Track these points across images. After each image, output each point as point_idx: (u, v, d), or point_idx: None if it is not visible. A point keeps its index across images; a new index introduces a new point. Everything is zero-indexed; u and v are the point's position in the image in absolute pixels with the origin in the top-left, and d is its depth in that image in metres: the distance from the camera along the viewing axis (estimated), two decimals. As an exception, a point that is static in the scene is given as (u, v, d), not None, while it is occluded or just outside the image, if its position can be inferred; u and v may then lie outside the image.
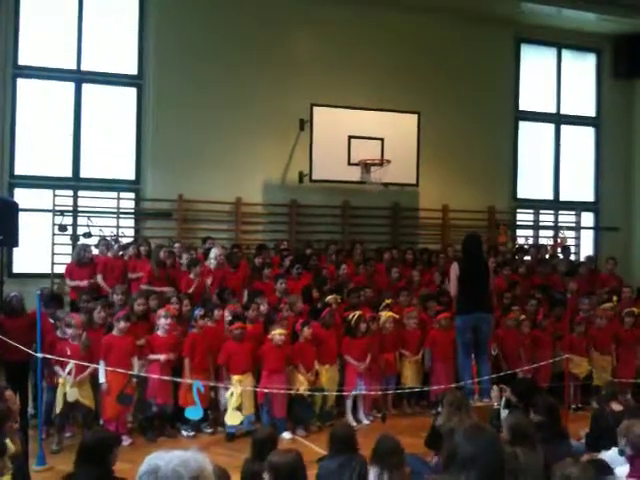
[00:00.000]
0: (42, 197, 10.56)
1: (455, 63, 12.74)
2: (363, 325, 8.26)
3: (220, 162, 11.25)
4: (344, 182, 11.31)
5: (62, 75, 10.98)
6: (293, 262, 9.88)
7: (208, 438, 7.53)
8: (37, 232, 10.39)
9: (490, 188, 13.03)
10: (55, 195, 10.43)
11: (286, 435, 7.45)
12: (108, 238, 9.92)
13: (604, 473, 4.19)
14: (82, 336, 7.20)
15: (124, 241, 10.15)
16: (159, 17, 11.24)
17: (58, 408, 6.97)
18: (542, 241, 13.27)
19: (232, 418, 7.36)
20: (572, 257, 12.76)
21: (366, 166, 11.12)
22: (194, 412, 7.23)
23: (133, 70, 11.34)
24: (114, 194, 10.94)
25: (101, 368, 7.16)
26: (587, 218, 14.21)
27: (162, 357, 7.43)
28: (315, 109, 11.00)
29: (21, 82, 10.79)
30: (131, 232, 11.15)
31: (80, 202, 10.78)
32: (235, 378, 7.49)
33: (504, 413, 6.11)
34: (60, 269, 9.82)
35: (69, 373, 6.91)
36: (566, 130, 14.25)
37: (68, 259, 9.77)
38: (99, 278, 9.15)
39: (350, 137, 11.10)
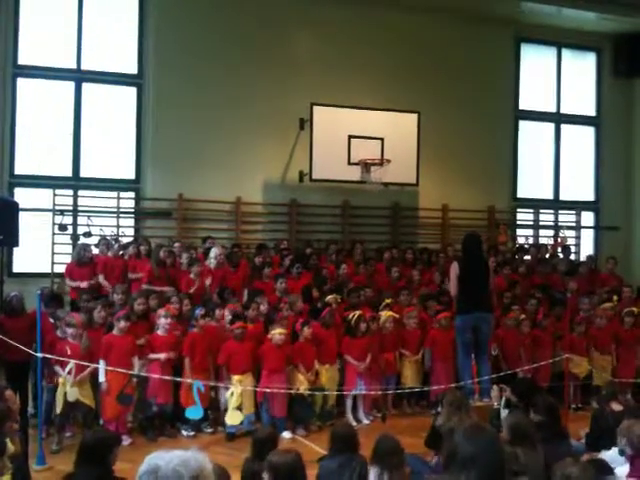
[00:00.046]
0: (42, 197, 10.56)
1: (455, 63, 12.74)
2: (363, 325, 8.26)
3: (220, 162, 11.25)
4: (344, 182, 11.31)
5: (62, 74, 10.98)
6: (293, 262, 9.88)
7: (208, 438, 7.52)
8: (37, 232, 10.40)
9: (490, 188, 13.03)
10: (55, 195, 10.43)
11: (286, 435, 7.45)
12: (108, 237, 9.92)
13: (604, 473, 4.20)
14: (82, 336, 7.20)
15: (124, 240, 10.15)
16: (159, 17, 11.24)
17: (58, 408, 6.96)
18: (542, 241, 13.27)
19: (232, 418, 7.36)
20: (572, 257, 12.75)
21: (366, 166, 11.12)
22: (194, 412, 7.24)
23: (133, 69, 11.34)
24: (114, 193, 10.94)
25: (101, 368, 7.16)
26: (587, 217, 14.21)
27: (162, 356, 7.43)
28: (315, 109, 10.99)
29: (21, 82, 10.79)
30: (131, 231, 11.15)
31: (80, 202, 10.79)
32: (235, 378, 7.49)
33: (504, 413, 6.11)
34: (60, 269, 9.82)
35: (69, 373, 6.90)
36: (566, 129, 14.25)
37: (68, 259, 9.76)
38: (100, 277, 9.15)
39: (350, 137, 11.10)
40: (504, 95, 13.42)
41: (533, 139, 13.98)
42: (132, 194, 11.32)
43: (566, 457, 4.14)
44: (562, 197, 14.13)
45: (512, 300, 9.57)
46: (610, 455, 4.93)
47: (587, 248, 13.91)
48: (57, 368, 6.99)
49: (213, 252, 9.51)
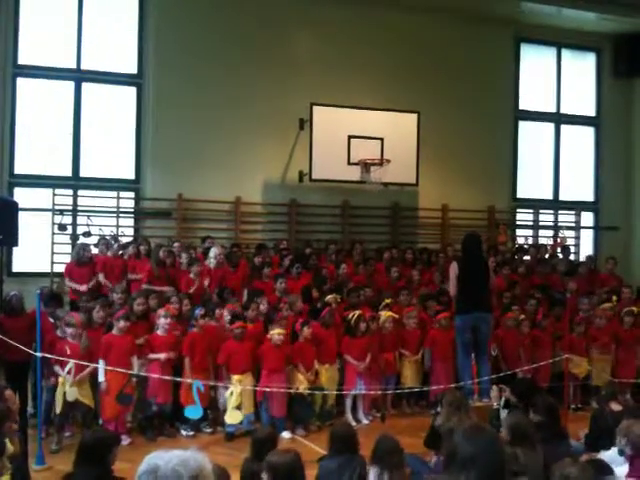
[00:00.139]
0: (42, 196, 10.55)
1: (455, 63, 12.74)
2: (363, 325, 8.26)
3: (220, 162, 11.25)
4: (344, 182, 11.31)
5: (62, 74, 10.98)
6: (293, 261, 9.88)
7: (207, 438, 7.52)
8: (37, 231, 10.39)
9: (490, 188, 13.04)
10: (55, 194, 10.43)
11: (286, 434, 7.45)
12: (108, 237, 9.91)
13: (604, 473, 4.19)
14: (82, 335, 7.19)
15: (124, 240, 10.15)
16: (159, 17, 11.24)
17: (58, 408, 6.95)
18: (542, 241, 13.27)
19: (232, 417, 7.36)
20: (572, 257, 12.77)
21: (366, 166, 11.12)
22: (194, 411, 7.24)
23: (133, 69, 11.34)
24: (114, 193, 10.94)
25: (100, 367, 7.16)
26: (587, 218, 14.21)
27: (162, 356, 7.43)
28: (315, 109, 10.99)
29: (21, 81, 10.79)
30: (131, 231, 11.15)
31: (80, 201, 10.79)
32: (235, 378, 7.49)
33: (504, 413, 6.11)
34: (60, 268, 9.82)
35: (68, 372, 6.90)
36: (566, 130, 14.25)
37: (68, 258, 9.76)
38: (101, 277, 9.15)
39: (350, 137, 11.10)
40: (504, 95, 13.42)
41: (533, 139, 13.99)
42: (132, 194, 11.32)
43: (565, 457, 4.15)
44: (562, 197, 14.13)
45: (512, 300, 9.57)
46: (609, 455, 4.92)
47: (587, 248, 13.91)
48: (57, 368, 6.99)
49: (213, 252, 9.52)
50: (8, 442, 4.44)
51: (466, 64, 12.82)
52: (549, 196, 14.09)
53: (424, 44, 12.50)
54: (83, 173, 11.05)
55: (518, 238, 13.43)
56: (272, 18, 11.66)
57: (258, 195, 11.68)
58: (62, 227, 10.41)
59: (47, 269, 10.28)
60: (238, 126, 11.36)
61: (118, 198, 10.92)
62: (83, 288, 8.90)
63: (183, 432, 7.54)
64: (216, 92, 11.29)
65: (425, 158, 11.76)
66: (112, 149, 11.28)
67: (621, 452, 4.70)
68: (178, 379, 7.31)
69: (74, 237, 10.46)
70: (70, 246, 10.26)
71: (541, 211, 13.94)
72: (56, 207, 10.43)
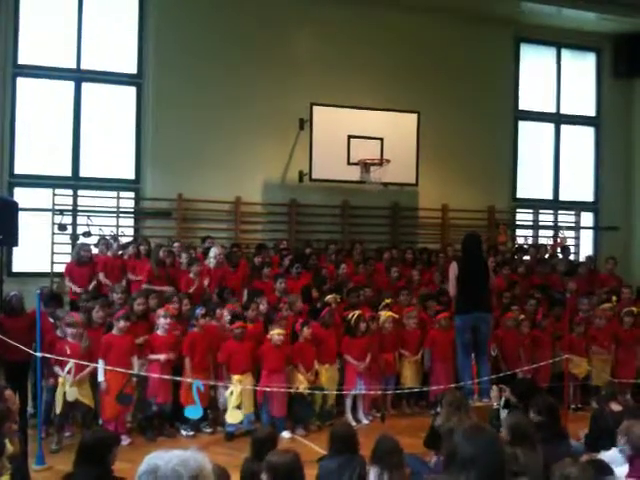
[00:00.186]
0: (42, 196, 10.55)
1: (455, 63, 12.74)
2: (363, 325, 8.26)
3: (220, 162, 11.25)
4: (344, 182, 11.31)
5: (62, 74, 10.98)
6: (293, 261, 9.88)
7: (207, 438, 7.53)
8: (37, 231, 10.39)
9: (490, 188, 13.04)
10: (55, 194, 10.43)
11: (285, 434, 7.45)
12: (108, 237, 9.91)
13: (604, 473, 4.19)
14: (82, 335, 7.19)
15: (124, 240, 10.15)
16: (159, 17, 11.24)
17: (58, 408, 6.95)
18: (542, 241, 13.27)
19: (233, 416, 7.37)
20: (572, 257, 12.77)
21: (366, 166, 11.12)
22: (194, 411, 7.24)
23: (133, 69, 11.34)
24: (114, 193, 10.94)
25: (100, 367, 7.16)
26: (587, 218, 14.21)
27: (162, 357, 7.43)
28: (315, 109, 11.00)
29: (21, 81, 10.79)
30: (131, 231, 11.15)
31: (80, 201, 10.79)
32: (235, 378, 7.49)
33: (504, 413, 6.11)
34: (60, 268, 9.82)
35: (68, 372, 6.90)
36: (566, 130, 14.25)
37: (68, 258, 9.77)
38: (101, 276, 9.15)
39: (350, 137, 11.10)
40: (504, 95, 13.42)
41: (533, 139, 13.98)
42: (132, 194, 11.32)
43: (566, 457, 4.15)
44: (562, 197, 14.13)
45: (511, 300, 9.57)
46: (609, 455, 4.92)
47: (586, 248, 13.91)
48: (56, 368, 6.99)
49: (212, 252, 9.52)
50: (8, 442, 4.44)
51: (466, 64, 12.82)
52: (549, 196, 14.09)
53: (424, 44, 12.50)
54: (83, 173, 11.05)
55: (518, 238, 13.43)
56: (272, 18, 11.66)
57: (258, 195, 11.68)
58: (62, 227, 10.41)
59: (47, 269, 10.28)
60: (238, 126, 11.36)
61: (118, 198, 10.92)
62: (79, 290, 8.88)
63: (183, 432, 7.54)
64: (216, 92, 11.29)
65: (425, 158, 11.77)
66: (112, 149, 11.28)
67: (622, 452, 4.70)
68: (178, 379, 7.31)
69: (74, 237, 10.46)
70: (70, 246, 10.26)
71: (541, 211, 13.94)
72: (56, 207, 10.43)
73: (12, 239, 8.70)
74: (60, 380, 6.93)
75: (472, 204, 12.74)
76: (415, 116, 11.64)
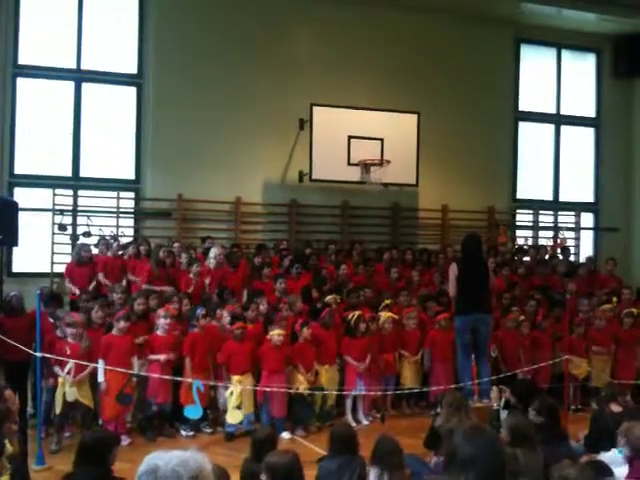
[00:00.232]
0: (42, 196, 10.56)
1: (455, 63, 12.74)
2: (363, 325, 8.26)
3: (220, 162, 11.25)
4: (344, 182, 11.31)
5: (62, 74, 10.98)
6: (292, 262, 9.87)
7: (207, 438, 7.52)
8: (37, 231, 10.40)
9: (490, 188, 13.03)
10: (55, 194, 10.43)
11: (285, 435, 7.45)
12: (107, 237, 9.91)
13: (603, 474, 4.19)
14: (82, 335, 7.19)
15: (124, 240, 10.15)
16: (159, 17, 11.24)
17: (57, 408, 6.95)
18: (542, 242, 13.26)
19: (233, 417, 7.36)
20: (572, 258, 12.76)
21: (366, 166, 11.12)
22: (193, 411, 7.23)
23: (133, 69, 11.34)
24: (114, 193, 10.94)
25: (100, 368, 7.15)
26: (587, 219, 14.21)
27: (162, 357, 7.43)
28: (315, 109, 11.00)
29: (21, 81, 10.80)
30: (131, 231, 11.15)
31: (80, 201, 10.79)
32: (235, 378, 7.49)
33: (504, 414, 6.10)
34: (60, 268, 9.83)
35: (68, 372, 6.90)
36: (566, 130, 14.25)
37: (68, 258, 9.77)
38: (101, 276, 9.15)
39: (350, 137, 11.10)
40: (504, 96, 13.42)
41: (533, 140, 13.98)
42: (132, 194, 11.32)
43: (565, 458, 4.14)
44: (562, 198, 14.13)
45: (511, 301, 9.57)
46: (609, 456, 4.92)
47: (586, 249, 13.91)
48: (56, 368, 6.98)
49: (212, 252, 9.51)
50: (7, 442, 4.44)
51: (466, 64, 12.82)
52: (549, 197, 14.09)
53: (424, 44, 12.51)
54: (83, 173, 11.06)
55: (518, 239, 13.43)
56: (272, 18, 11.66)
57: (258, 195, 11.68)
58: (62, 227, 10.41)
59: (47, 269, 10.28)
60: (238, 126, 11.36)
61: (118, 198, 10.92)
62: (78, 291, 8.87)
63: (183, 432, 7.54)
64: (216, 92, 11.29)
65: (425, 158, 11.76)
66: (112, 149, 11.28)
67: (622, 453, 4.70)
68: (178, 379, 7.31)
69: (74, 237, 10.46)
70: (70, 246, 10.26)
71: (541, 212, 13.93)
72: (56, 207, 10.43)
73: (12, 239, 8.70)
74: (60, 380, 6.93)
75: (472, 205, 12.74)
76: (415, 116, 11.64)
